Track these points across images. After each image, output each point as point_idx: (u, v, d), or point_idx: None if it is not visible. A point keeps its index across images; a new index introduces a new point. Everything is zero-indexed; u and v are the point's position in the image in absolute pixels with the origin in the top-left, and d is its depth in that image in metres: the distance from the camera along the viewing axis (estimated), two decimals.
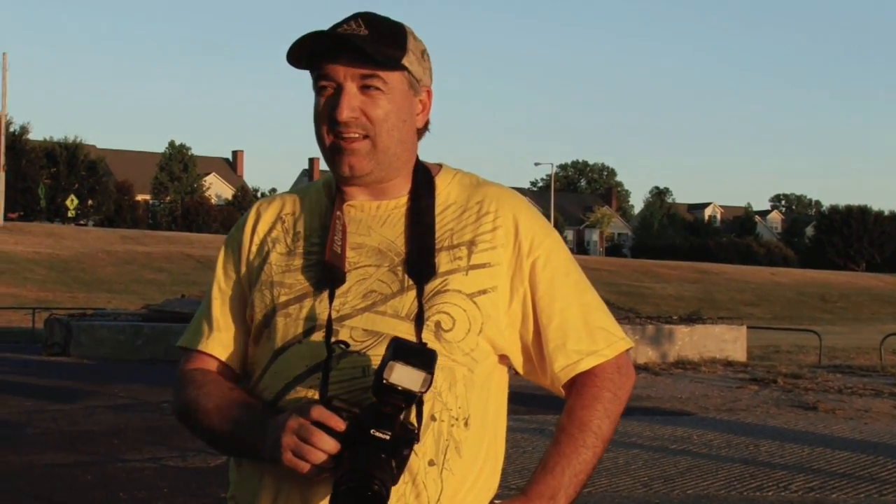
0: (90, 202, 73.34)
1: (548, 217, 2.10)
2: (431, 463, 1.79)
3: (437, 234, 1.89)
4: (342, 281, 1.85)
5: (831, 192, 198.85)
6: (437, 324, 1.82)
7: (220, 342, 1.97)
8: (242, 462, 1.90)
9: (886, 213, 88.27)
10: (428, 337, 1.80)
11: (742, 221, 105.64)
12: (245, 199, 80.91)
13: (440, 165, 2.01)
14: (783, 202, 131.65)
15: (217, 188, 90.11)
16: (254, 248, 1.96)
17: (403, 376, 1.65)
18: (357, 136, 1.85)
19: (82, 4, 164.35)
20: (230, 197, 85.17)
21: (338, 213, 1.90)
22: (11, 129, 64.97)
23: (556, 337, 1.90)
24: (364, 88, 1.85)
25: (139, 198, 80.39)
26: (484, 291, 1.86)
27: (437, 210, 1.92)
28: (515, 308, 1.90)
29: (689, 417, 11.52)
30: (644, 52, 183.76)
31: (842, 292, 57.17)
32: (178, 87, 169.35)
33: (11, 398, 12.08)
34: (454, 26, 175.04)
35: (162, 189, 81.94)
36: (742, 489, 7.64)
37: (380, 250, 1.88)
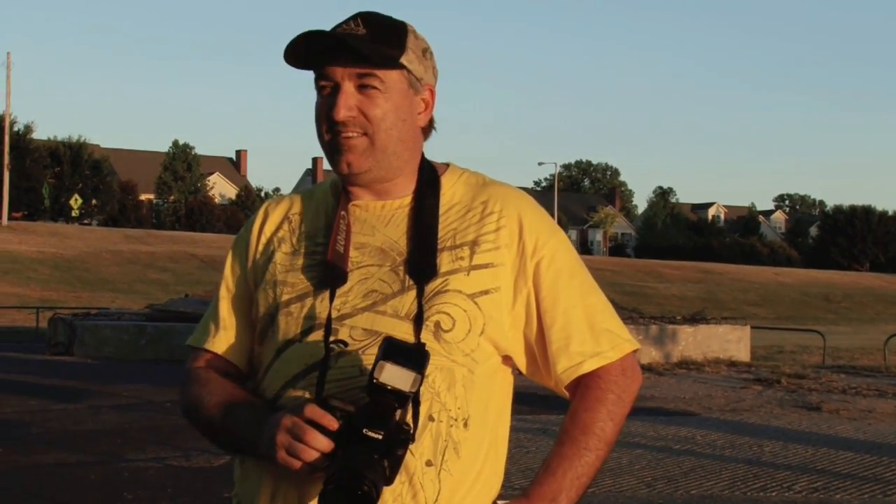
0: (94, 202, 73.38)
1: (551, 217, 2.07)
2: (429, 463, 1.79)
3: (439, 234, 1.88)
4: (343, 280, 1.85)
5: (835, 191, 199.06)
6: (437, 324, 1.81)
7: (226, 341, 1.98)
8: (245, 461, 1.90)
9: (890, 212, 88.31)
10: (427, 337, 1.80)
11: (746, 221, 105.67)
12: (248, 198, 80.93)
13: (447, 165, 2.00)
14: (787, 202, 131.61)
15: (221, 188, 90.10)
16: (260, 248, 1.97)
17: (393, 376, 1.64)
18: (355, 134, 1.85)
19: (86, 3, 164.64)
20: (234, 196, 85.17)
21: (342, 212, 1.90)
22: (15, 129, 65.03)
23: (560, 338, 1.89)
24: (361, 88, 1.85)
25: (143, 197, 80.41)
26: (486, 292, 1.85)
27: (441, 210, 1.91)
28: (519, 309, 1.88)
29: (692, 418, 11.52)
30: (648, 52, 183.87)
31: (846, 292, 57.16)
32: (182, 87, 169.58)
33: (15, 398, 12.11)
34: (460, 26, 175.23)
35: (166, 188, 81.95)
36: (746, 489, 7.63)
37: (383, 250, 1.88)
